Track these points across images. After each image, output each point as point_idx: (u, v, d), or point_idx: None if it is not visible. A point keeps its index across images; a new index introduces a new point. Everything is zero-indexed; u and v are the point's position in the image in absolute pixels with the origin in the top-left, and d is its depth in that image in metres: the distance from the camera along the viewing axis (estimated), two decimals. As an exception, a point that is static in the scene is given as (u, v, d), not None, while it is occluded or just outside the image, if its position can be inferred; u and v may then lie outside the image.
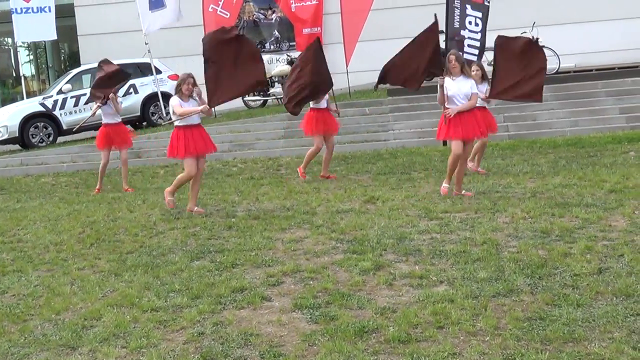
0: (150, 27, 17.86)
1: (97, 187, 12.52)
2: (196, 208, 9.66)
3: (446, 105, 9.51)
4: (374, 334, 5.13)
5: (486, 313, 5.34)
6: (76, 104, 18.32)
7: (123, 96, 18.58)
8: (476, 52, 14.33)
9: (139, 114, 18.84)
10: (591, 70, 17.92)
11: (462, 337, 4.99)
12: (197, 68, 18.77)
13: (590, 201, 8.59)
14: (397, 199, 9.63)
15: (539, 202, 8.77)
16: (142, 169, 14.78)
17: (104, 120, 12.39)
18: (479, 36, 14.04)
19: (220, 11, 18.44)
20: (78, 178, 14.46)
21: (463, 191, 9.61)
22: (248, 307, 5.88)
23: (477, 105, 9.89)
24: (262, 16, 22.04)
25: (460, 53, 9.86)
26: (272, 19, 22.00)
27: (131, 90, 18.71)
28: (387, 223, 8.25)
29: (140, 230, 8.93)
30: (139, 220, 9.49)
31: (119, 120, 12.56)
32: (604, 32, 19.99)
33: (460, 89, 9.45)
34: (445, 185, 9.69)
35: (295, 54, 20.92)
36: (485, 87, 11.10)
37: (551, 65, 17.82)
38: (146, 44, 17.64)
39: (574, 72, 18.20)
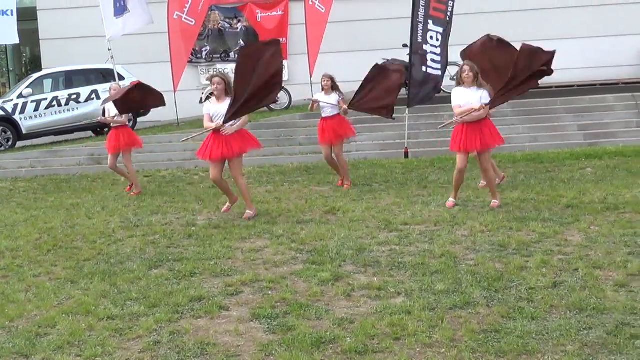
0: (114, 33, 17.73)
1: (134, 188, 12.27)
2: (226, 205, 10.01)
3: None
4: (331, 345, 5.14)
5: (443, 325, 5.38)
6: (36, 109, 18.10)
7: (85, 102, 18.48)
8: (439, 66, 14.47)
9: (100, 120, 18.66)
10: (551, 87, 18.18)
11: (418, 349, 5.02)
12: (160, 75, 18.81)
13: (548, 216, 8.72)
14: (357, 210, 9.67)
15: (498, 216, 8.87)
16: (102, 176, 14.64)
17: (114, 124, 12.23)
18: (439, 51, 14.17)
19: (185, 18, 18.40)
20: (36, 184, 14.26)
21: (492, 200, 9.56)
22: (205, 316, 5.86)
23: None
24: (227, 25, 22.00)
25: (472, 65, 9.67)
26: (237, 28, 21.97)
27: (93, 95, 18.55)
28: (347, 234, 8.29)
29: (99, 237, 8.85)
30: (98, 228, 9.40)
31: (127, 123, 12.39)
32: (564, 49, 20.14)
33: (469, 100, 9.31)
34: (451, 199, 9.67)
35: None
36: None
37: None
38: (109, 50, 17.51)
39: (534, 88, 18.41)
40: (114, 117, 12.15)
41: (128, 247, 8.30)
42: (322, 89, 11.67)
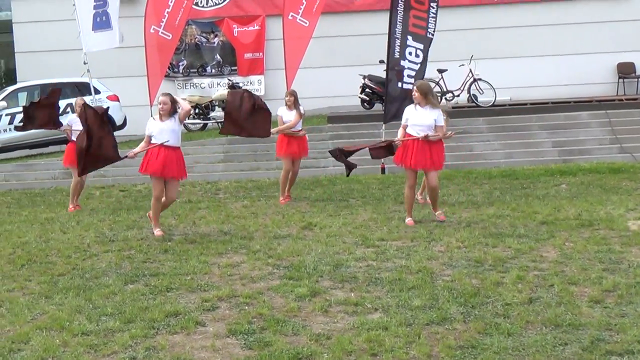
0: (91, 47, 17.63)
1: (71, 205, 12.16)
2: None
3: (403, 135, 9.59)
4: (308, 361, 5.13)
5: (419, 341, 5.39)
6: (11, 122, 17.90)
7: (60, 115, 18.31)
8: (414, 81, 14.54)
9: (75, 133, 18.52)
10: (526, 104, 18.36)
11: (395, 365, 5.02)
12: (136, 89, 18.74)
13: (523, 232, 8.78)
14: (334, 225, 9.67)
15: (474, 231, 8.92)
16: (77, 190, 14.49)
17: (73, 137, 12.04)
18: (418, 67, 14.28)
19: (162, 32, 18.29)
20: (10, 197, 14.12)
21: (437, 212, 9.82)
22: (182, 332, 5.81)
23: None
24: (204, 39, 21.99)
25: (427, 82, 9.87)
26: (214, 42, 21.96)
27: (68, 109, 18.37)
28: (324, 249, 8.28)
29: (74, 252, 8.77)
30: (73, 242, 9.32)
31: None
32: (539, 67, 20.55)
33: (422, 120, 9.42)
34: (409, 219, 9.76)
35: (237, 78, 20.98)
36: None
37: (487, 98, 18.29)
38: (85, 63, 17.40)
39: (509, 105, 18.62)
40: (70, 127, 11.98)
41: (103, 261, 8.23)
42: (286, 104, 11.98)
